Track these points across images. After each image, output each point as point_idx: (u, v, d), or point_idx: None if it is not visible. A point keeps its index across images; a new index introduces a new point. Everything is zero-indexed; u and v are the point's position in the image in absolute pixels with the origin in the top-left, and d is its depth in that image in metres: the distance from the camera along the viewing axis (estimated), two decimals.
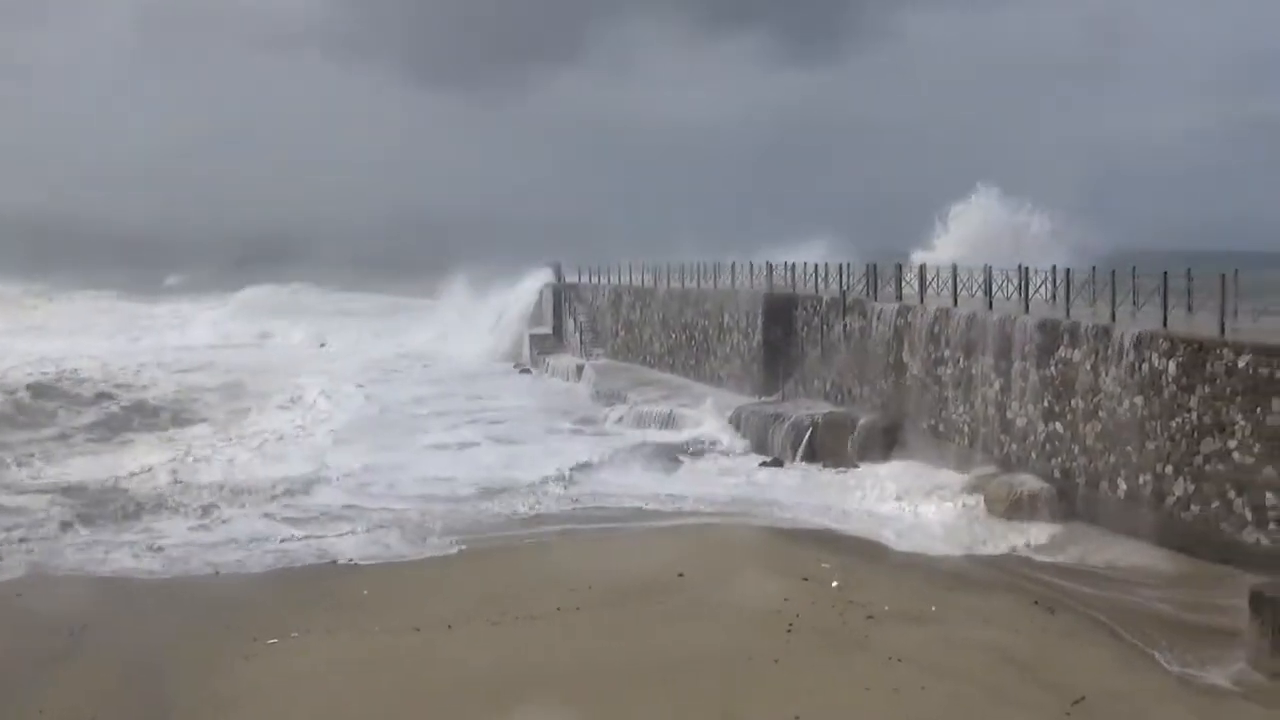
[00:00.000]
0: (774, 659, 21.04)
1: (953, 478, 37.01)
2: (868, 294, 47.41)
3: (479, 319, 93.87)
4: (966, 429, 38.58)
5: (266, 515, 34.06)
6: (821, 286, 52.15)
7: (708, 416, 48.27)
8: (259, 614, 24.91)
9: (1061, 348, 34.13)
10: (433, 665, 21.69)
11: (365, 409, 55.37)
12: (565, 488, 37.89)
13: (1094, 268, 38.17)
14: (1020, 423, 35.79)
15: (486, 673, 21.12)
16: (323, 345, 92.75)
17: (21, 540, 31.05)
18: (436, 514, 34.10)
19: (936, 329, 40.61)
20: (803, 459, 42.18)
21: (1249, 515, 27.07)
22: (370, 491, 37.21)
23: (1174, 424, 29.61)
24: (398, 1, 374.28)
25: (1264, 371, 26.96)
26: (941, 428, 39.99)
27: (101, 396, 57.93)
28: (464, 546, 30.83)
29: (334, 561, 29.48)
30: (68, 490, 36.63)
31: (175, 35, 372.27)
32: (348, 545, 31.01)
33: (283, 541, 31.40)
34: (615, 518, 34.27)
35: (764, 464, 42.14)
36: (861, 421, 43.08)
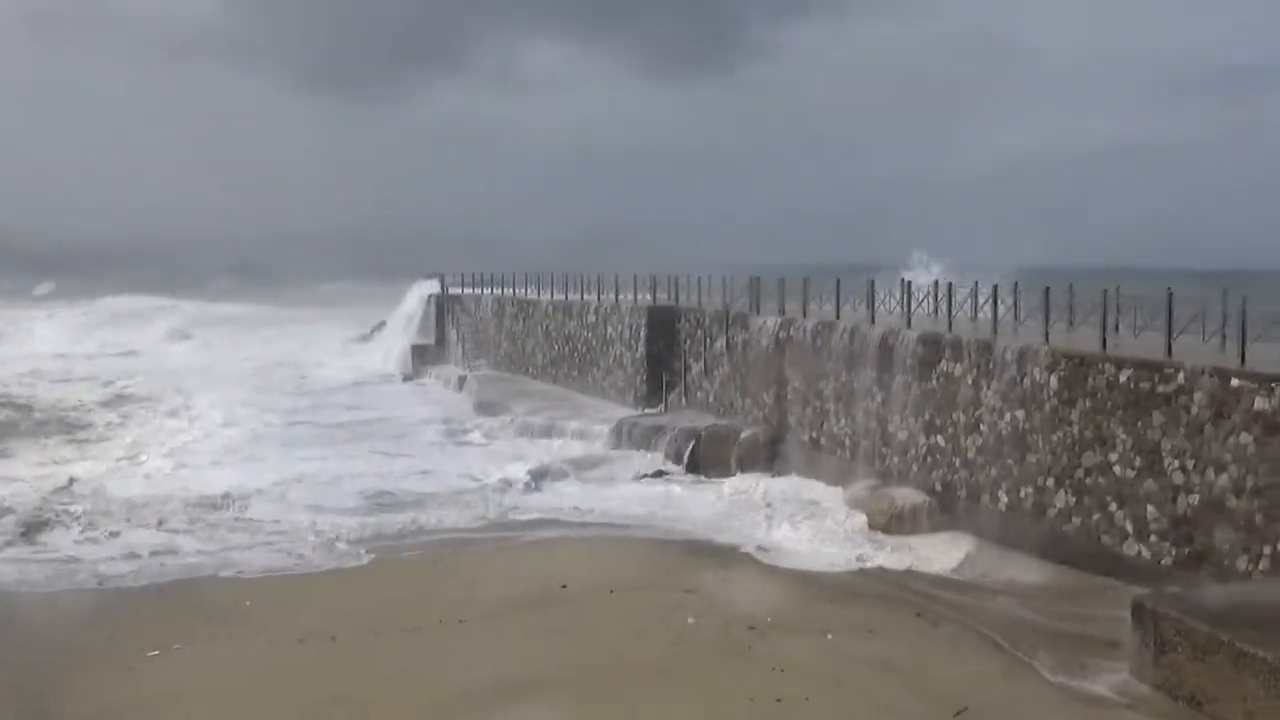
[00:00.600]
0: (659, 670, 20.87)
1: (834, 490, 37.09)
2: (751, 307, 47.43)
3: (362, 329, 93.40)
4: (848, 442, 38.66)
5: (151, 527, 33.16)
6: (705, 299, 52.17)
7: (591, 428, 47.98)
8: (142, 626, 24.37)
9: (943, 361, 34.27)
10: (315, 677, 21.29)
11: (246, 421, 54.30)
12: (449, 500, 37.33)
13: (975, 283, 38.46)
14: (902, 436, 35.90)
15: (368, 685, 20.75)
16: (200, 353, 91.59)
17: None
18: (320, 526, 33.52)
19: (818, 343, 40.66)
20: (686, 471, 42.01)
21: (1130, 528, 27.28)
22: (255, 503, 36.28)
23: (1055, 437, 29.80)
24: (284, 9, 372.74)
25: (1144, 386, 27.17)
26: (823, 440, 40.04)
27: None
28: (350, 559, 30.44)
29: (216, 574, 28.87)
30: None
31: (62, 37, 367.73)
32: (233, 557, 30.43)
33: (168, 554, 30.69)
34: (499, 529, 33.92)
35: (647, 476, 41.91)
36: (744, 434, 43.07)
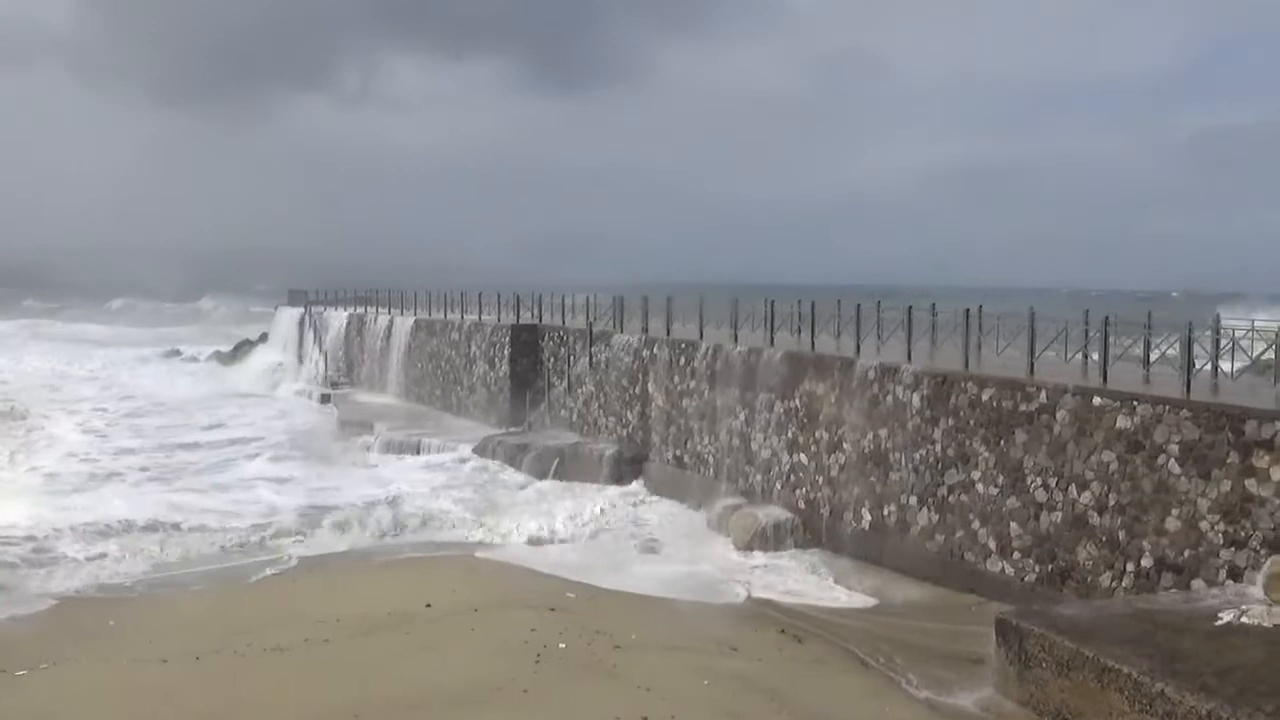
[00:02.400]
0: (523, 689, 20.54)
1: (698, 508, 37.01)
2: (614, 326, 47.36)
3: (224, 347, 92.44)
4: (711, 460, 38.65)
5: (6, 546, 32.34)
6: (569, 318, 52.13)
7: (456, 447, 47.57)
8: (12, 646, 23.65)
9: (806, 380, 34.35)
10: (178, 697, 20.68)
11: (106, 442, 53.09)
12: (311, 519, 36.73)
13: (839, 301, 38.59)
14: (765, 454, 35.95)
15: (229, 705, 20.23)
16: (55, 373, 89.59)
17: None
18: (184, 544, 33.12)
19: (681, 361, 40.64)
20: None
21: (993, 545, 27.46)
22: (114, 522, 35.27)
23: (918, 455, 29.95)
24: (141, 19, 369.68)
25: (1007, 404, 27.38)
26: (687, 459, 40.00)
27: None
28: (213, 578, 30.09)
29: (81, 594, 28.31)
30: None
31: None
32: (97, 576, 29.95)
33: (40, 575, 29.99)
34: (363, 549, 33.48)
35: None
36: (608, 452, 42.95)
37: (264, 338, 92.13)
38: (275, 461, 48.06)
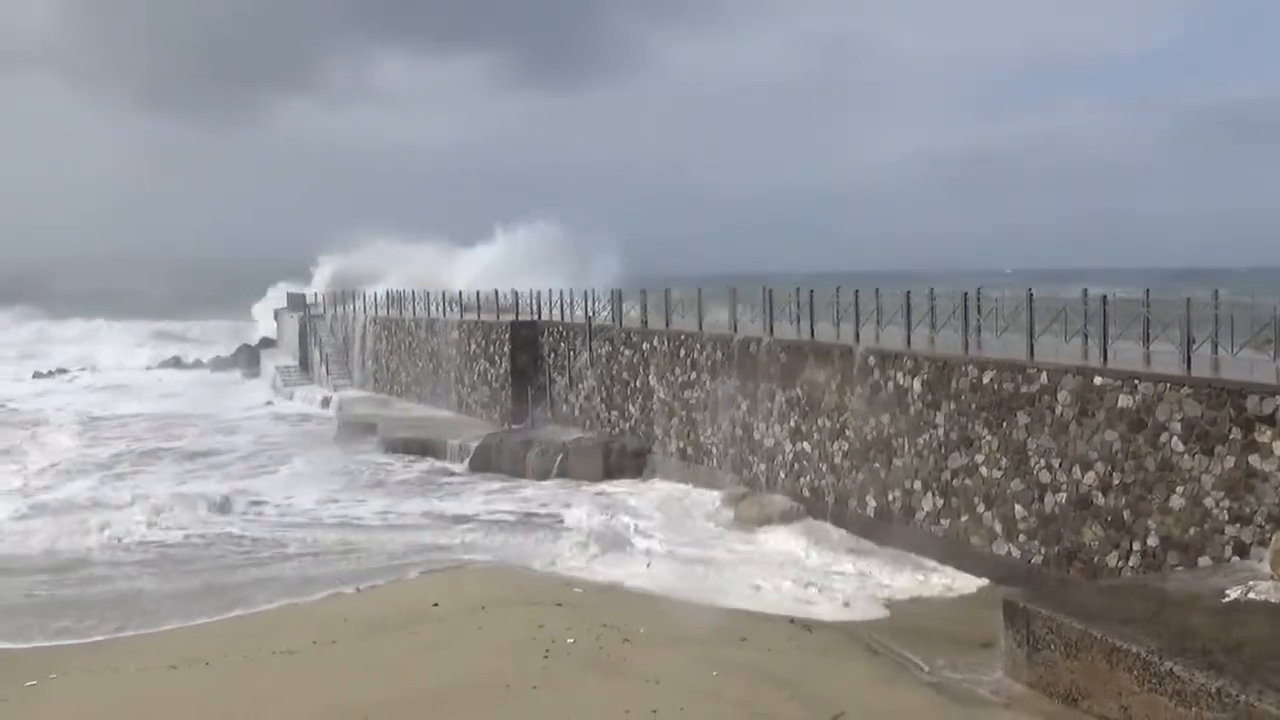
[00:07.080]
0: (532, 685, 20.50)
1: (703, 498, 37.02)
2: (613, 319, 47.35)
3: (221, 351, 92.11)
4: (715, 450, 38.67)
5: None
6: (568, 313, 52.06)
7: (461, 444, 47.47)
8: (15, 657, 23.72)
9: (807, 368, 34.35)
10: (190, 702, 20.66)
11: (95, 447, 53.12)
12: (319, 518, 37.11)
13: (837, 288, 38.48)
14: (768, 443, 35.98)
15: (244, 710, 20.20)
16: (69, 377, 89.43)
17: None
18: (187, 550, 33.18)
19: (681, 353, 40.64)
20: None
21: (999, 528, 27.47)
22: (118, 527, 35.62)
23: (921, 440, 29.97)
24: (129, 25, 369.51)
25: (1008, 387, 27.38)
26: (690, 450, 40.02)
27: None
28: (218, 582, 29.92)
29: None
30: None
31: None
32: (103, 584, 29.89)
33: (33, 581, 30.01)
34: (367, 547, 33.42)
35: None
36: (611, 446, 42.92)
37: (266, 342, 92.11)
38: (271, 468, 47.86)
